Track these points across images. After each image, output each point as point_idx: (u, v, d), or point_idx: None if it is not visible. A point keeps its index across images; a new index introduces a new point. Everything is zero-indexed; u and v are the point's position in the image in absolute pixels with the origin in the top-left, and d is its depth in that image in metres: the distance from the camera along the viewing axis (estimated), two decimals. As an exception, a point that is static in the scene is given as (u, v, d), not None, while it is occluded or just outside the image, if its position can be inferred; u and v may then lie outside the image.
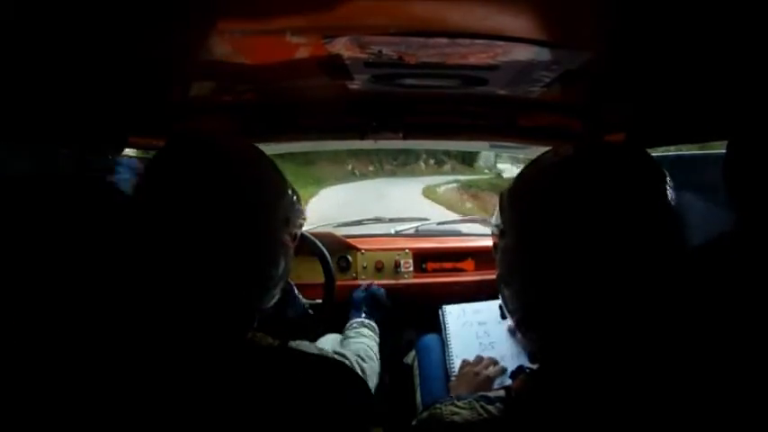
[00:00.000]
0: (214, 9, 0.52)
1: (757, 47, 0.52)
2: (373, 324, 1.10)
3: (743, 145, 0.54)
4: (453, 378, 0.99)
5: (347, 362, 0.85)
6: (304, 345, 0.71)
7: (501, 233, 0.53)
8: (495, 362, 0.95)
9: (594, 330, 0.45)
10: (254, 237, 0.52)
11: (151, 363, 0.47)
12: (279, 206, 0.54)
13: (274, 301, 0.58)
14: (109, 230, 0.50)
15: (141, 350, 0.48)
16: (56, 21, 0.49)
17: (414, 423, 0.53)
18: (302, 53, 0.65)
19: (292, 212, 0.57)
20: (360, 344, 0.99)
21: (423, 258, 1.48)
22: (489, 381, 0.90)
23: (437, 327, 1.14)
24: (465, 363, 0.98)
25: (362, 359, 0.92)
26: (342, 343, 1.05)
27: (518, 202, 0.51)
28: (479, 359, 0.97)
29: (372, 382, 0.92)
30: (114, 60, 0.63)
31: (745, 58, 0.56)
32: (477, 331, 1.09)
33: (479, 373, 0.92)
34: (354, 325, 1.09)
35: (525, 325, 0.52)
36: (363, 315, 1.12)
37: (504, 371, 0.93)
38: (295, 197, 0.59)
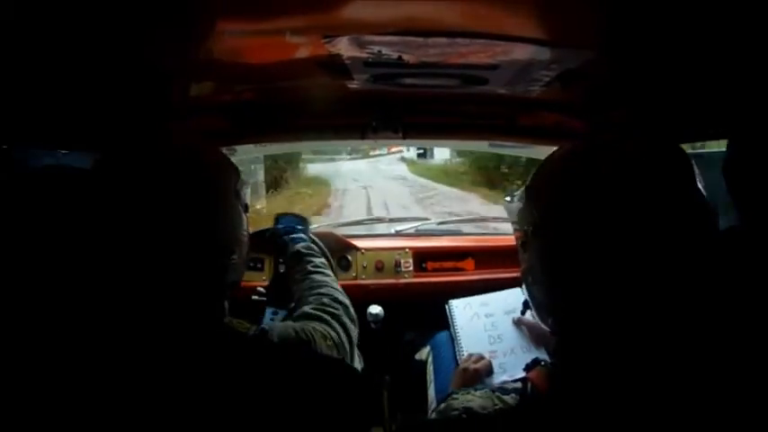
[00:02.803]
0: (214, 9, 0.52)
1: (758, 46, 0.52)
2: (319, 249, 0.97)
3: (743, 145, 0.54)
4: None
5: (330, 332, 0.74)
6: (278, 326, 0.71)
7: (528, 226, 0.51)
8: (481, 357, 0.97)
9: (623, 324, 0.44)
10: (209, 210, 0.53)
11: (129, 355, 0.47)
12: (229, 181, 0.56)
13: (241, 275, 0.59)
14: (78, 226, 0.50)
15: (117, 343, 0.47)
16: (55, 21, 0.49)
17: (433, 414, 0.54)
18: (302, 53, 0.65)
19: (240, 187, 0.59)
20: (325, 293, 0.84)
21: (423, 258, 1.48)
22: (477, 375, 0.91)
23: (445, 324, 1.14)
24: (467, 357, 0.99)
25: (338, 319, 0.79)
26: (305, 298, 0.87)
27: (545, 196, 0.49)
28: (479, 356, 0.98)
29: (354, 333, 0.80)
30: (113, 60, 0.63)
31: (746, 58, 0.56)
32: (484, 323, 1.10)
33: (468, 368, 0.93)
34: (306, 258, 0.95)
35: (552, 318, 0.51)
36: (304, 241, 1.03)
37: (490, 366, 0.95)
38: (241, 176, 0.61)
